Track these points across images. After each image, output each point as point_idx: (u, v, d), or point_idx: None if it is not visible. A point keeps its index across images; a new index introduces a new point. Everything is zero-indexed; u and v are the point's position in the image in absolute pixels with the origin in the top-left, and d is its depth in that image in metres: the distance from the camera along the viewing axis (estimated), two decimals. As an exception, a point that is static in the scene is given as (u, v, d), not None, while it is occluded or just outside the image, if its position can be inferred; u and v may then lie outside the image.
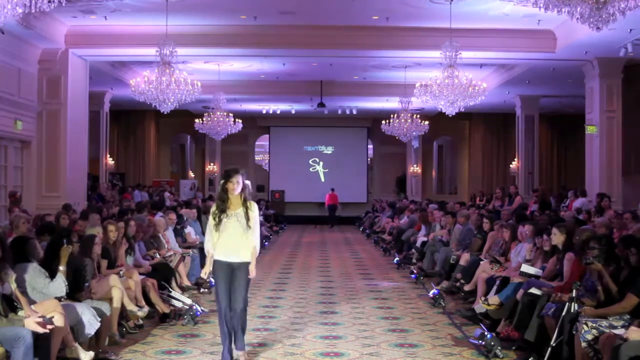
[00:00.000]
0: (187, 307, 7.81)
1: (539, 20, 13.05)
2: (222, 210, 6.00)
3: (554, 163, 27.36)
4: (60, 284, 5.90)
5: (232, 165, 6.34)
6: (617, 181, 15.29)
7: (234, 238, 5.99)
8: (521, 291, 6.83)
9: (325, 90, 20.84)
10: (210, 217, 6.08)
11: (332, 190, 26.34)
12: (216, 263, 6.03)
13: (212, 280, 6.77)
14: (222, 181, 6.06)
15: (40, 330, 5.06)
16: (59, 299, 5.88)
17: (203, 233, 12.78)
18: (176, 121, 26.34)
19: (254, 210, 6.08)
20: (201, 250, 11.23)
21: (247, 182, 6.13)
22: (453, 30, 12.52)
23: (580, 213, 12.12)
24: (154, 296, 7.80)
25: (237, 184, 5.97)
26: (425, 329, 7.58)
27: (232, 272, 5.99)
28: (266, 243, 17.08)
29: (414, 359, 6.31)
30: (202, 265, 11.07)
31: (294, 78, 20.24)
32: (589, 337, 5.29)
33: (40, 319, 5.12)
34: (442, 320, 8.10)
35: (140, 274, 7.97)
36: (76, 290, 6.30)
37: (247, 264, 6.03)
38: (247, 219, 5.98)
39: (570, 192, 15.62)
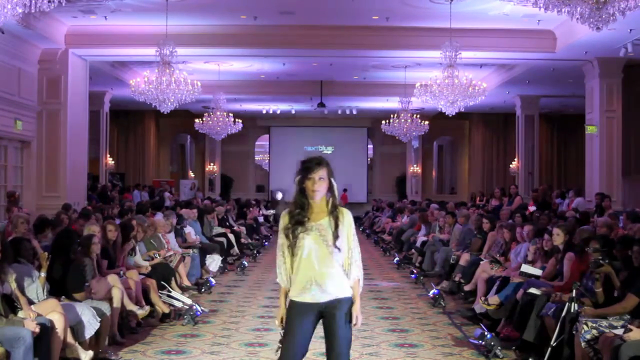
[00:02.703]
0: (187, 307, 7.81)
1: (539, 20, 13.05)
2: (299, 221, 3.96)
3: (554, 163, 27.35)
4: (32, 291, 5.77)
5: (311, 156, 4.07)
6: (617, 181, 15.29)
7: (317, 263, 3.92)
8: (521, 291, 6.83)
9: (325, 90, 20.84)
10: (281, 235, 4.03)
11: (345, 190, 27.22)
12: (290, 306, 3.97)
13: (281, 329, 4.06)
14: (298, 178, 4.01)
15: (37, 329, 5.08)
16: (59, 299, 5.89)
17: (203, 233, 12.84)
18: (176, 121, 26.34)
19: (348, 221, 4.01)
20: (201, 249, 11.27)
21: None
22: (453, 30, 12.52)
23: (577, 213, 12.12)
24: (154, 296, 7.80)
25: (322, 182, 3.98)
26: (425, 329, 7.58)
27: (316, 319, 3.95)
28: (266, 243, 17.08)
29: (414, 359, 6.31)
30: (202, 264, 11.22)
31: (294, 78, 20.24)
32: (589, 337, 5.30)
33: (34, 322, 5.12)
34: (442, 320, 8.10)
35: (140, 273, 7.98)
36: (73, 291, 6.30)
37: (343, 302, 3.93)
38: (336, 235, 3.94)
39: (571, 191, 15.63)
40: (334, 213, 3.99)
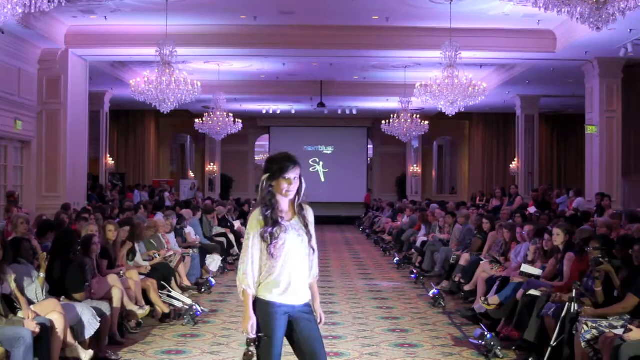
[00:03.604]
0: (187, 307, 7.81)
1: (539, 20, 13.04)
2: (275, 221, 3.81)
3: (554, 163, 27.35)
4: (31, 291, 5.78)
5: (281, 154, 3.94)
6: (617, 181, 15.28)
7: (297, 264, 3.85)
8: (521, 291, 6.83)
9: (325, 90, 20.84)
10: (256, 237, 3.83)
11: (369, 191, 28.07)
12: (268, 307, 3.79)
13: (255, 335, 3.79)
14: (266, 176, 3.85)
15: (37, 329, 5.08)
16: (58, 299, 5.89)
17: (203, 233, 12.83)
18: (176, 121, 26.35)
19: (312, 219, 3.98)
20: (201, 249, 11.26)
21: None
22: (453, 30, 12.52)
23: (578, 213, 12.12)
24: (154, 296, 7.80)
25: (297, 182, 3.87)
26: (425, 329, 7.58)
27: (288, 323, 3.84)
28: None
29: (414, 359, 6.32)
30: (202, 264, 11.20)
31: (294, 78, 20.24)
32: (589, 337, 5.30)
33: (34, 322, 5.11)
34: (442, 320, 8.10)
35: (140, 273, 7.98)
36: (73, 291, 6.30)
37: (310, 302, 3.94)
38: (310, 235, 3.90)
39: (572, 191, 15.64)
40: (301, 213, 3.92)
